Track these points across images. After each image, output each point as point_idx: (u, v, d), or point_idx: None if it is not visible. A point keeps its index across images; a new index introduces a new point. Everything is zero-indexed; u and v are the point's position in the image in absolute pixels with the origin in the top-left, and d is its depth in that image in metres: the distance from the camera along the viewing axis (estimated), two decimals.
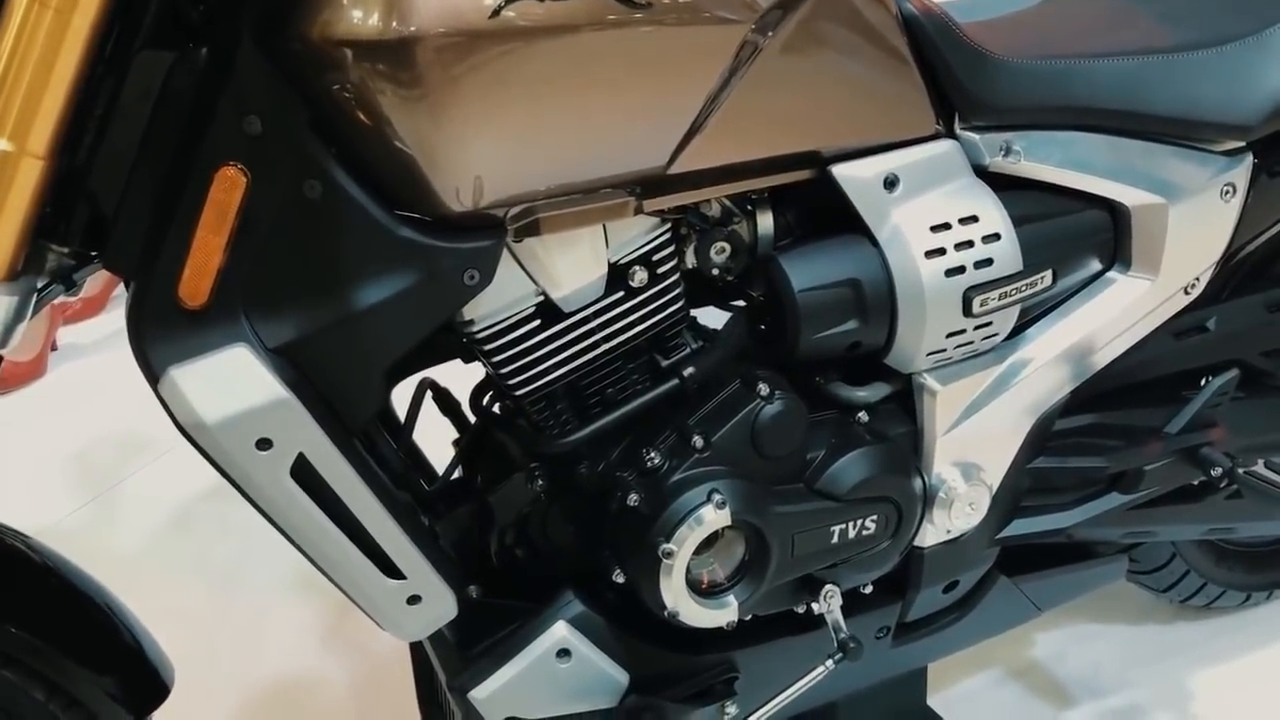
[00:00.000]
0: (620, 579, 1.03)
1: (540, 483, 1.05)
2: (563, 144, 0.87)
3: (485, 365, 1.02)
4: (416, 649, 1.29)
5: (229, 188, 0.81)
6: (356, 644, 1.66)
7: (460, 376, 1.15)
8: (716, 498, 0.98)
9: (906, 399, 1.10)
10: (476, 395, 1.14)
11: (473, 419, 1.16)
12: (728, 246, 1.03)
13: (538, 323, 0.96)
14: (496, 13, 0.79)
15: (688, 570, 1.00)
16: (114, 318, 2.80)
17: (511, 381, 0.97)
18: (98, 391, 2.45)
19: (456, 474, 1.13)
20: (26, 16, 0.73)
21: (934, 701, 1.34)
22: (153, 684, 0.98)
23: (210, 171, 0.81)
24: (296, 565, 1.00)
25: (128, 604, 1.01)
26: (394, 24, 0.77)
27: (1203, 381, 1.25)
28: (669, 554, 0.98)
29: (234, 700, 1.59)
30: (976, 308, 1.03)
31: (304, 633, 1.71)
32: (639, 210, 0.93)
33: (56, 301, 1.10)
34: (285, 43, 0.81)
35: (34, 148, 0.75)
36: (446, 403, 1.17)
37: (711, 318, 1.11)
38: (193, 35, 0.82)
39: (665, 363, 1.03)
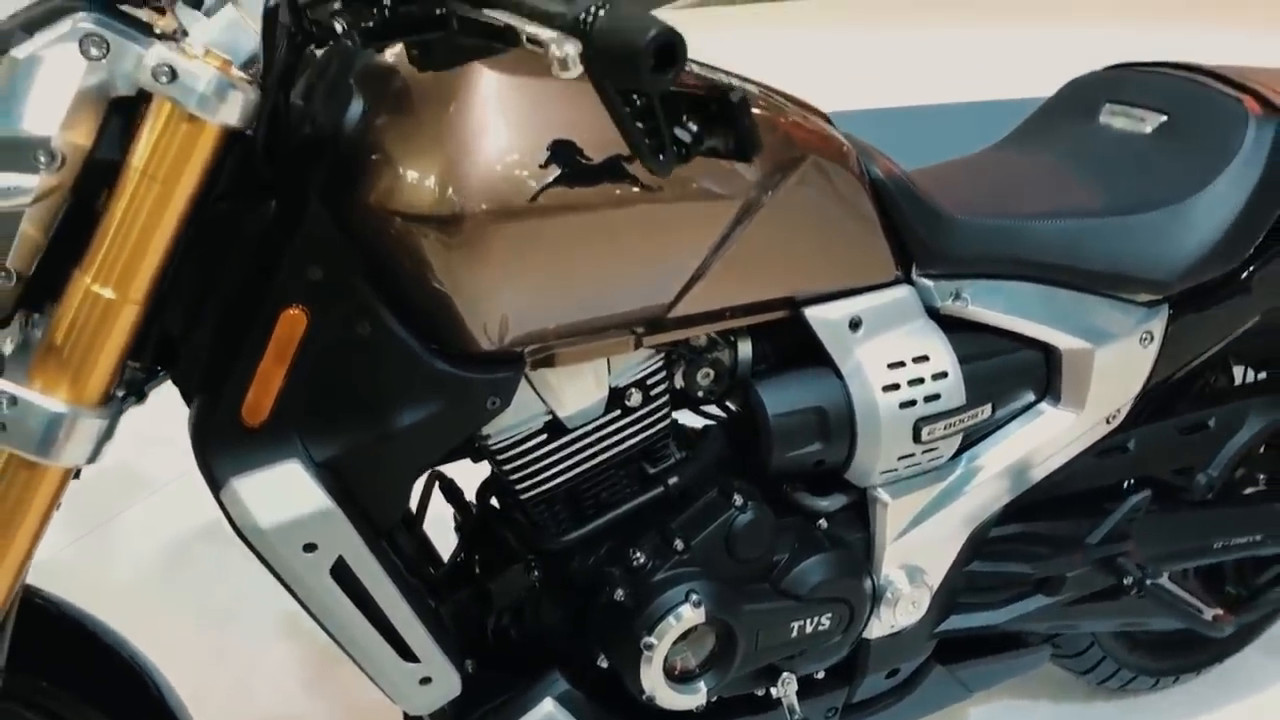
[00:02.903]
0: (604, 663, 1.16)
1: (536, 573, 1.18)
2: (580, 294, 1.01)
3: (493, 468, 1.15)
4: None
5: (291, 326, 0.94)
6: (347, 688, 1.76)
7: (462, 465, 1.28)
8: (694, 597, 1.12)
9: (861, 508, 1.25)
10: (483, 491, 1.27)
11: (474, 507, 1.29)
12: (712, 372, 1.17)
13: (544, 437, 1.10)
14: (535, 197, 0.93)
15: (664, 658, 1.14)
16: None
17: (518, 486, 1.11)
18: None
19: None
20: (136, 188, 0.85)
21: None
22: None
23: (276, 311, 0.94)
24: (291, 606, 1.06)
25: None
26: (447, 202, 0.91)
27: (1125, 484, 1.41)
28: (650, 646, 1.11)
29: None
30: (925, 436, 1.19)
31: (296, 675, 1.81)
32: (639, 345, 1.07)
33: None
34: (347, 204, 0.94)
35: (133, 296, 0.87)
36: (451, 492, 1.29)
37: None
38: (264, 189, 0.95)
39: (652, 470, 1.17)
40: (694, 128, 0.71)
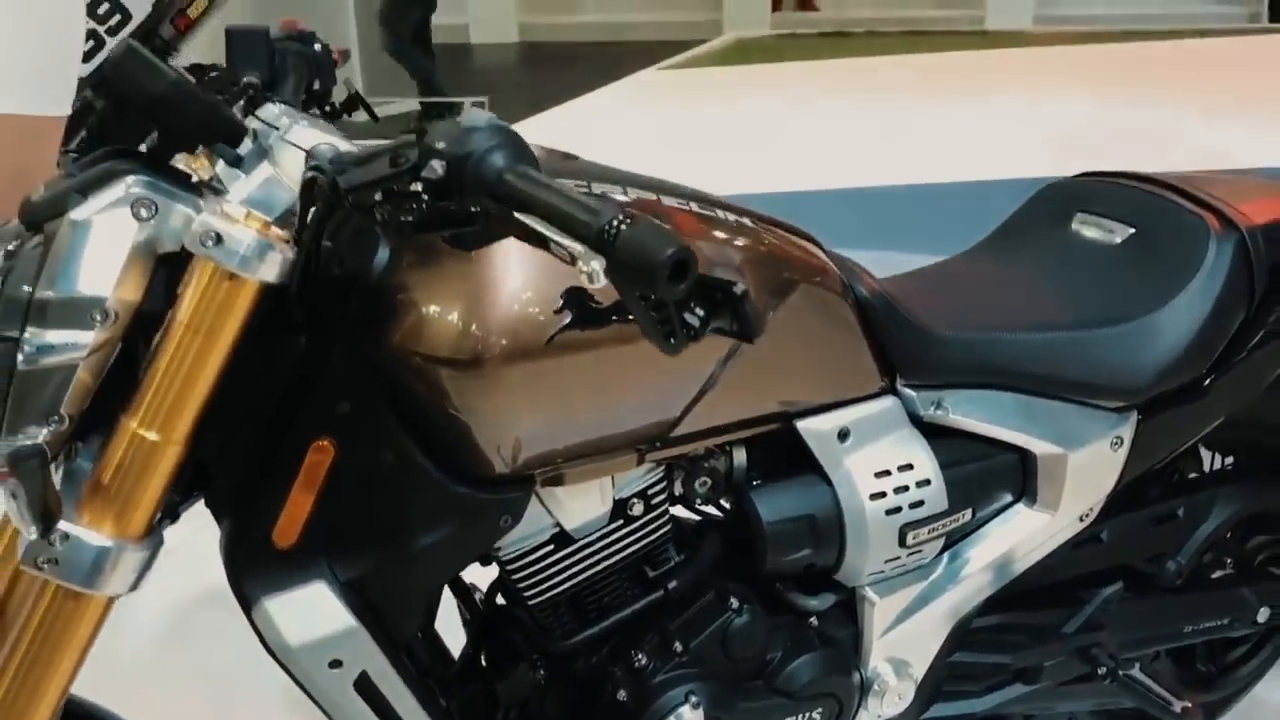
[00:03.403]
0: None
1: (541, 673, 1.24)
2: (589, 420, 1.08)
3: (502, 573, 1.22)
4: None
5: (320, 456, 1.01)
6: None
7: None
8: (693, 699, 1.19)
9: (850, 606, 1.32)
10: (490, 592, 1.33)
11: (481, 605, 1.35)
12: (709, 480, 1.24)
13: (551, 547, 1.17)
14: (551, 340, 1.00)
15: None
16: None
17: (526, 592, 1.18)
18: None
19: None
20: (181, 340, 0.92)
21: None
22: None
23: (306, 442, 1.01)
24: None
25: (123, 711, 1.14)
26: (468, 344, 0.98)
27: (1099, 573, 1.49)
28: None
29: None
30: (910, 540, 1.26)
31: None
32: (642, 461, 1.14)
33: None
34: (373, 343, 1.01)
35: (176, 438, 0.94)
36: (458, 589, 1.36)
37: None
38: (295, 328, 1.02)
39: (652, 574, 1.24)
40: (701, 313, 0.78)
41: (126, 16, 3.09)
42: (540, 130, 5.81)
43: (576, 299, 1.00)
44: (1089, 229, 1.50)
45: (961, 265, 1.53)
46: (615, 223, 0.71)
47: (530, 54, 9.49)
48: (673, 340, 0.78)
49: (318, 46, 1.24)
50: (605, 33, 9.78)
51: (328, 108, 1.32)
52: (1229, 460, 1.70)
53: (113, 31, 2.71)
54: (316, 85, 1.25)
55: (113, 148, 0.99)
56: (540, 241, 0.76)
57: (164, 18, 3.33)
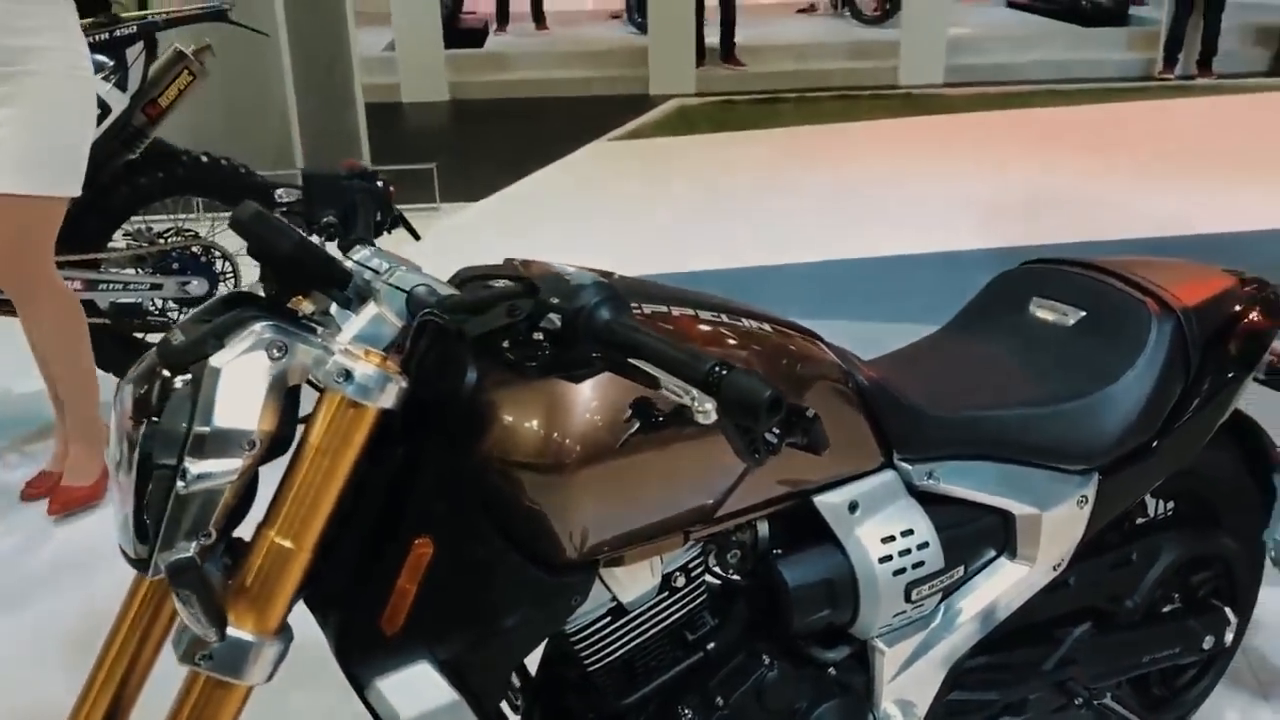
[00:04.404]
0: None
1: None
2: (647, 510, 1.24)
3: (563, 643, 1.37)
4: None
5: (421, 552, 1.16)
6: None
7: None
8: None
9: (862, 656, 1.49)
10: (544, 663, 1.48)
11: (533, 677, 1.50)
12: (739, 552, 1.41)
13: (609, 619, 1.33)
14: (621, 445, 1.17)
15: None
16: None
17: (586, 659, 1.33)
18: (92, 571, 2.65)
19: None
20: (313, 462, 1.08)
21: None
22: None
23: (409, 541, 1.16)
24: None
25: None
26: (550, 451, 1.15)
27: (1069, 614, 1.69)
28: None
29: None
30: (914, 596, 1.44)
31: None
32: (686, 541, 1.31)
33: None
34: (465, 451, 1.17)
35: (306, 545, 1.09)
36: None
37: None
38: (394, 441, 1.17)
39: (691, 638, 1.41)
40: (778, 431, 0.96)
41: (106, 110, 3.22)
42: (505, 206, 6.01)
43: (642, 409, 1.17)
44: (1044, 312, 1.71)
45: (935, 347, 1.74)
46: (717, 369, 0.89)
47: (461, 111, 9.64)
48: (757, 456, 0.95)
49: (380, 183, 1.40)
50: (534, 89, 9.98)
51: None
52: (1169, 505, 1.92)
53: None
54: (379, 216, 1.41)
55: (232, 293, 1.15)
56: (650, 382, 0.93)
57: (136, 108, 3.47)
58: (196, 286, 3.54)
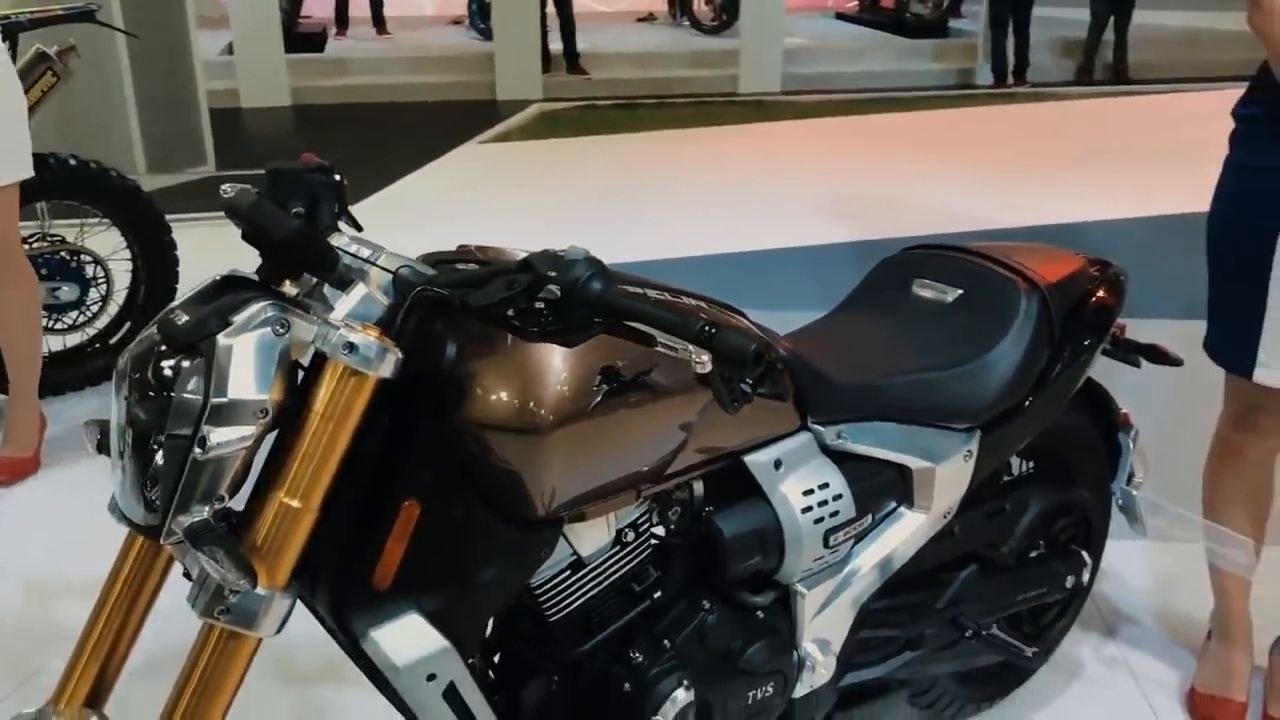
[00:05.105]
0: None
1: (557, 678, 1.52)
2: (609, 469, 1.37)
3: (526, 597, 1.49)
4: None
5: (409, 513, 1.27)
6: None
7: None
8: (684, 683, 1.50)
9: (786, 600, 1.66)
10: (500, 621, 1.59)
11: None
12: (679, 509, 1.56)
13: (569, 572, 1.45)
14: (590, 409, 1.30)
15: None
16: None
17: (548, 609, 1.46)
18: (8, 576, 2.62)
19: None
20: (318, 428, 1.17)
21: None
22: None
23: (399, 503, 1.26)
24: None
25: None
26: (527, 417, 1.27)
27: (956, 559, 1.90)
28: None
29: None
30: (831, 542, 1.62)
31: None
32: (638, 499, 1.45)
33: None
34: (448, 419, 1.28)
35: (312, 505, 1.18)
36: None
37: None
38: (380, 409, 1.27)
39: (638, 589, 1.55)
40: (749, 382, 1.11)
41: None
42: (384, 203, 5.99)
43: (610, 374, 1.30)
44: (926, 291, 1.92)
45: (833, 325, 1.92)
46: (707, 328, 1.03)
47: (303, 116, 9.50)
48: (736, 404, 1.10)
49: (336, 176, 1.49)
50: (379, 94, 9.92)
51: None
52: (1031, 464, 2.16)
53: None
54: (335, 208, 1.49)
55: (226, 276, 1.23)
56: (645, 340, 1.07)
57: None
58: (67, 292, 3.48)
